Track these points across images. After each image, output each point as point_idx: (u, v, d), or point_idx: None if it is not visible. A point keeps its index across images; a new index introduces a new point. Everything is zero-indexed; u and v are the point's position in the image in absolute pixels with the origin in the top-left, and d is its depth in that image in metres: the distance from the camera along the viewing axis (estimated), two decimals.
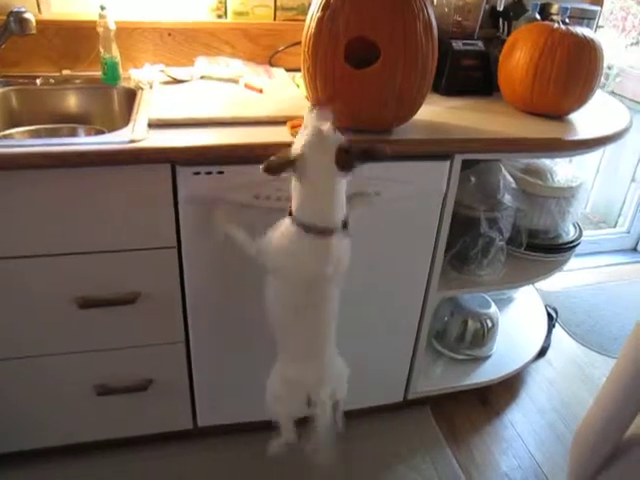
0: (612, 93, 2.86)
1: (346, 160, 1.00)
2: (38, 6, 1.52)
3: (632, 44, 3.14)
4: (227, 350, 1.47)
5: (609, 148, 2.65)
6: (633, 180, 2.83)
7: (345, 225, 1.11)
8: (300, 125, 1.22)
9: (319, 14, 1.15)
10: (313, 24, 1.16)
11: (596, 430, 0.85)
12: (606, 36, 3.09)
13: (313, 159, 1.02)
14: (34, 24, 1.43)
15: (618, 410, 0.83)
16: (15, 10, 1.40)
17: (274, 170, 1.01)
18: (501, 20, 1.70)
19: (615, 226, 2.93)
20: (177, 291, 1.35)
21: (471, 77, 1.63)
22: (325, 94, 1.21)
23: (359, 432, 1.67)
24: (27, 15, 1.40)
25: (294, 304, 1.14)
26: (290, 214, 1.09)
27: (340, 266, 1.14)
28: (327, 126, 1.03)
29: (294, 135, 1.21)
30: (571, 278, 2.54)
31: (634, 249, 2.85)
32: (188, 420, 1.57)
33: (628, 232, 2.83)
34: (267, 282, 1.15)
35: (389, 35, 1.13)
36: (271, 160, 1.01)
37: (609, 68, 2.93)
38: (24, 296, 1.27)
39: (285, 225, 1.10)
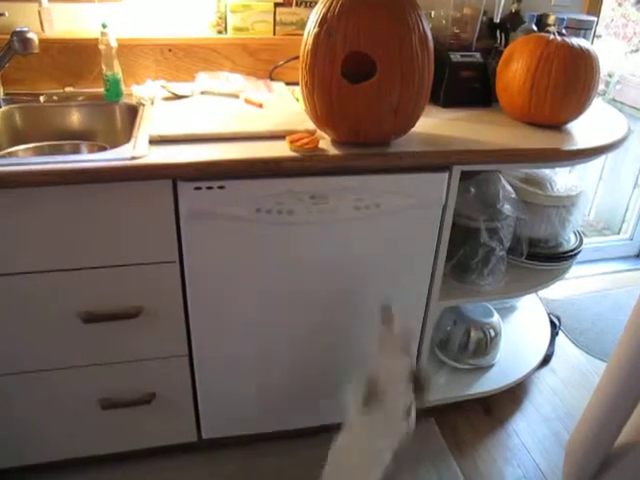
0: (613, 100, 2.88)
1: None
2: (41, 25, 1.55)
3: (632, 51, 3.16)
4: (230, 362, 1.48)
5: (611, 155, 2.65)
6: (636, 186, 2.83)
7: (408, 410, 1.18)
8: (299, 140, 1.25)
9: (316, 30, 1.16)
10: (310, 40, 1.18)
11: (589, 437, 0.86)
12: (606, 44, 3.11)
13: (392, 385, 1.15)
14: (37, 43, 1.45)
15: (609, 417, 0.84)
16: (18, 30, 1.42)
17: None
18: (498, 32, 1.72)
19: (619, 233, 2.93)
20: (180, 305, 1.36)
21: (469, 88, 1.65)
22: (323, 109, 1.22)
23: None
24: (30, 35, 1.43)
25: None
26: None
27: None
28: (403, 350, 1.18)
29: (293, 150, 1.24)
30: (574, 285, 2.53)
31: (637, 256, 2.85)
32: (192, 433, 1.57)
33: (631, 239, 2.83)
34: None
35: (385, 50, 1.14)
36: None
37: (610, 75, 2.94)
38: (28, 311, 1.28)
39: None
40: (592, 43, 1.83)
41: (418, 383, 1.16)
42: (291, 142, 1.25)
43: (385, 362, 1.18)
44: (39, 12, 1.53)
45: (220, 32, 1.69)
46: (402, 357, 1.18)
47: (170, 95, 1.53)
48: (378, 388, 1.14)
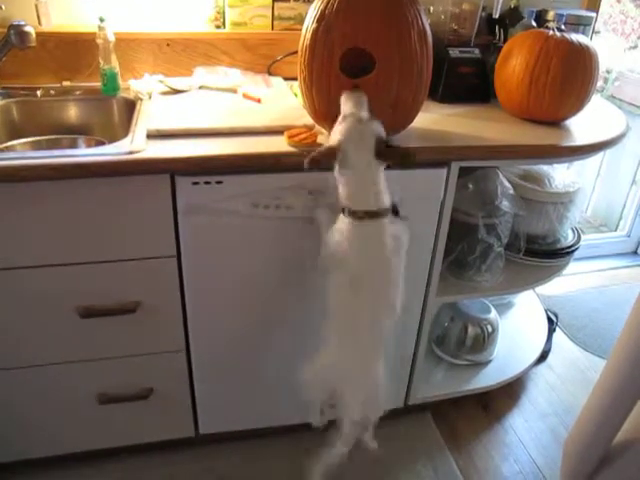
0: (611, 97, 2.87)
1: (384, 151, 1.09)
2: (38, 19, 1.54)
3: (631, 48, 3.15)
4: (228, 358, 1.48)
5: (609, 152, 2.65)
6: (633, 183, 2.83)
7: (395, 210, 1.15)
8: (298, 135, 1.24)
9: (314, 25, 1.16)
10: (308, 35, 1.18)
11: (587, 435, 0.86)
12: (605, 40, 3.10)
13: (353, 149, 1.06)
14: (34, 37, 1.44)
15: (608, 414, 0.84)
16: (15, 23, 1.41)
17: (318, 162, 1.05)
18: (497, 27, 1.71)
19: (616, 229, 2.93)
20: (177, 300, 1.36)
21: (468, 84, 1.64)
22: (321, 104, 1.22)
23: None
24: (27, 28, 1.42)
25: (355, 286, 1.15)
26: (343, 210, 1.12)
27: (399, 248, 1.17)
28: (365, 113, 1.08)
29: (292, 145, 1.23)
30: (572, 282, 2.54)
31: (635, 252, 2.85)
32: (190, 428, 1.57)
33: (628, 236, 2.83)
34: (332, 279, 1.18)
35: (383, 45, 1.14)
36: (314, 154, 1.05)
37: (608, 72, 2.93)
38: (26, 306, 1.28)
39: (340, 220, 1.13)
40: (591, 39, 1.82)
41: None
42: (289, 137, 1.24)
43: (348, 129, 1.09)
44: (36, 6, 1.52)
45: (218, 27, 1.69)
46: (368, 129, 1.10)
47: (168, 90, 1.53)
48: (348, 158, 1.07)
